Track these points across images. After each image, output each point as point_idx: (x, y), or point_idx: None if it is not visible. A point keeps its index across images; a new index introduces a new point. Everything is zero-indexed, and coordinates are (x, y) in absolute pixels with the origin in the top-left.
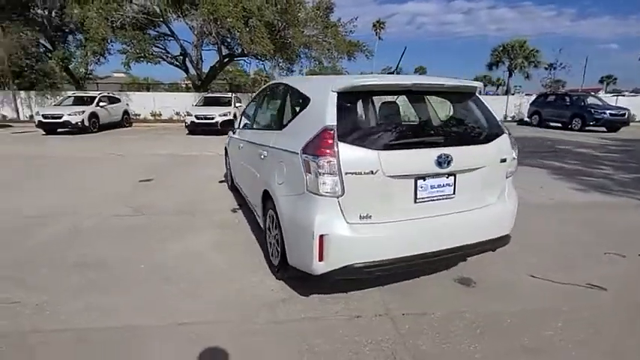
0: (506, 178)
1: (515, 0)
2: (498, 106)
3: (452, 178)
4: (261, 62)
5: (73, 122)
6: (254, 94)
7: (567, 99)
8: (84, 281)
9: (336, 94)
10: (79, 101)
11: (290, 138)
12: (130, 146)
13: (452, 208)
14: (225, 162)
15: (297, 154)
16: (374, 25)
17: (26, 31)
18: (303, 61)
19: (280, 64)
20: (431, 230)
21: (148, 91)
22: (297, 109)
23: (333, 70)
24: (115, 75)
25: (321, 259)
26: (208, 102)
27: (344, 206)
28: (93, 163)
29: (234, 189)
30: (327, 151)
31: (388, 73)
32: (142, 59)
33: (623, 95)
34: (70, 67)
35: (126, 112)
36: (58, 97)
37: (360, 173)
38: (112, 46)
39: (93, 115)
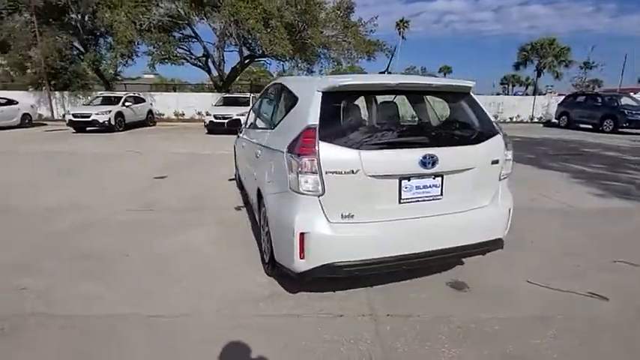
0: (500, 180)
1: None
2: (525, 106)
3: (439, 179)
4: (280, 63)
5: (101, 121)
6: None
7: (598, 99)
8: (84, 271)
9: (320, 93)
10: (107, 101)
11: (279, 137)
12: (151, 144)
13: (439, 210)
14: (234, 161)
15: (283, 152)
16: (397, 25)
17: (61, 34)
18: (323, 62)
19: (299, 65)
20: (416, 232)
21: (175, 91)
22: (288, 108)
23: (352, 70)
24: (145, 76)
25: (302, 256)
26: (227, 102)
27: (325, 205)
28: (114, 159)
29: (241, 187)
30: (308, 150)
31: (379, 73)
32: (166, 61)
33: None
34: (100, 68)
35: (150, 112)
36: (88, 97)
37: (341, 172)
38: (138, 48)
39: (119, 115)
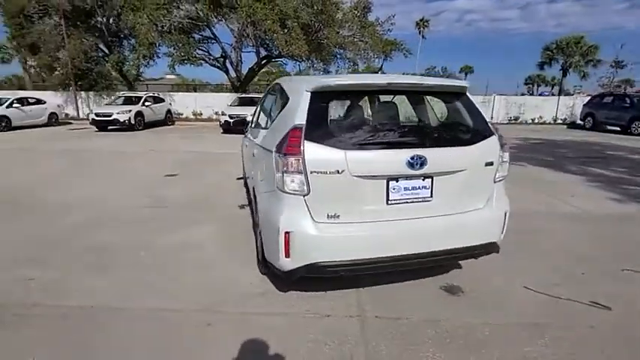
0: (495, 182)
1: None
2: (548, 107)
3: (428, 180)
4: (297, 63)
5: (121, 120)
6: None
7: (627, 100)
8: (89, 264)
9: (309, 93)
10: (128, 101)
11: (271, 136)
12: (167, 143)
13: (429, 212)
14: (242, 160)
15: (272, 152)
16: (417, 24)
17: (87, 37)
18: (339, 62)
19: (315, 65)
20: (405, 233)
21: (195, 91)
22: (281, 108)
23: (368, 70)
24: (168, 77)
25: (287, 255)
26: (242, 102)
27: (311, 205)
28: (130, 157)
29: (247, 186)
30: (294, 149)
31: (373, 73)
32: (185, 61)
33: None
34: (123, 69)
35: (169, 112)
36: (112, 97)
37: (326, 172)
38: (159, 49)
39: (139, 114)
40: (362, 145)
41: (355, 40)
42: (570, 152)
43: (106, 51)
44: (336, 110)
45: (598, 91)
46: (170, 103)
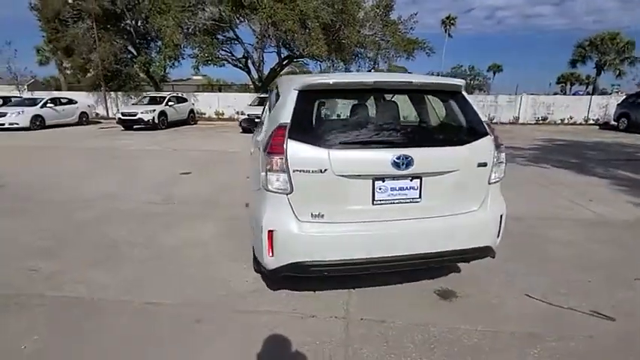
0: (490, 184)
1: None
2: (579, 107)
3: (417, 181)
4: (318, 63)
5: (145, 119)
6: None
7: None
8: (94, 257)
9: (296, 92)
10: (153, 101)
11: (263, 135)
12: (187, 142)
13: (418, 213)
14: None
15: (260, 150)
16: (443, 22)
17: (117, 39)
18: (360, 62)
19: (335, 65)
20: (392, 234)
21: (220, 91)
22: (275, 106)
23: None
24: (195, 77)
25: (270, 254)
26: (262, 102)
27: (294, 204)
28: (149, 156)
29: None
30: (278, 148)
31: (367, 71)
32: (209, 62)
33: None
34: (150, 70)
35: (192, 111)
36: (139, 97)
37: (309, 171)
38: (184, 51)
39: (162, 114)
40: (346, 144)
41: (376, 39)
42: (600, 154)
43: (134, 53)
44: (324, 109)
45: (636, 90)
46: (193, 103)
